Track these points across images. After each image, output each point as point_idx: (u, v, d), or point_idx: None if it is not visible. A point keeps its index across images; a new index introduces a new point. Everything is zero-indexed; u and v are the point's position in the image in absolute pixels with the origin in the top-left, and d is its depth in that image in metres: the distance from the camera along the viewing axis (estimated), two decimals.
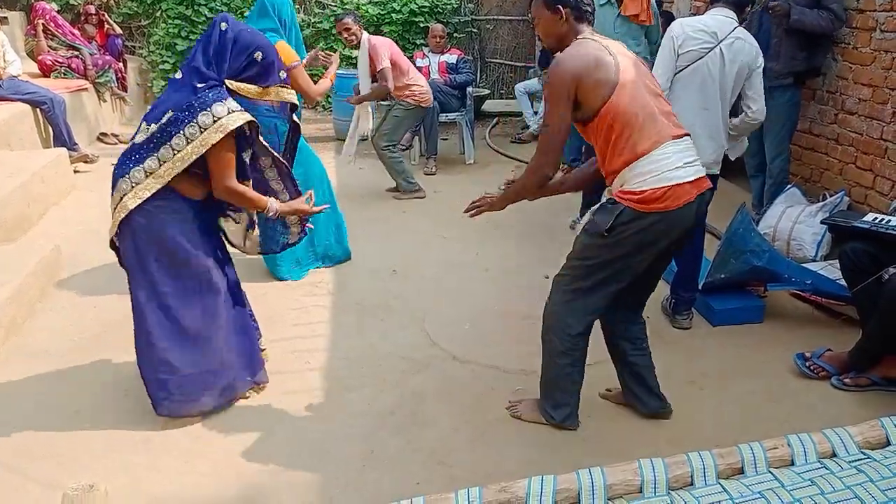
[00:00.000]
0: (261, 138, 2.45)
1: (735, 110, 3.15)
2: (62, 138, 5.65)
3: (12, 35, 6.60)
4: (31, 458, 2.39)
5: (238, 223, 2.68)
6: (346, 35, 5.14)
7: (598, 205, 2.30)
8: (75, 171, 5.53)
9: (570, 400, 2.51)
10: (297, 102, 2.57)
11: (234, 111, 2.25)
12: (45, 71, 6.55)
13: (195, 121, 2.21)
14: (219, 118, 2.22)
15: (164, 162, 2.26)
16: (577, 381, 2.49)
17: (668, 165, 2.15)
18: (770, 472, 1.34)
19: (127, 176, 2.31)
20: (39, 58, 6.57)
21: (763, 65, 3.08)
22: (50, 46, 6.65)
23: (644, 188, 2.15)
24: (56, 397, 2.74)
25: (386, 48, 5.19)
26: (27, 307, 3.34)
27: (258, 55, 2.31)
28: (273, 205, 2.46)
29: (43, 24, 6.60)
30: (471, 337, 3.27)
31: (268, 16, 3.53)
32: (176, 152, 2.24)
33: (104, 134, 6.81)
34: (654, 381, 2.60)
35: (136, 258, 2.38)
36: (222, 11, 8.38)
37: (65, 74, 6.58)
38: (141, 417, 2.60)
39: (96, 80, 6.83)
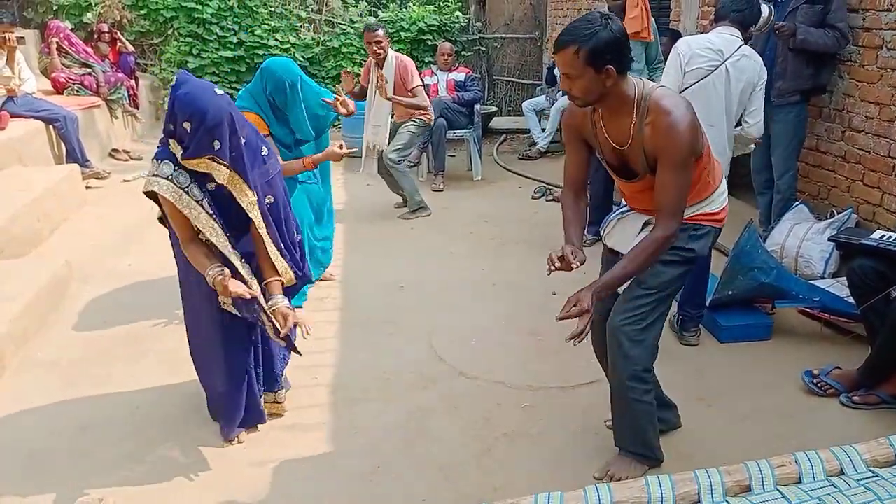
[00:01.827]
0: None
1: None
2: (74, 155, 5.73)
3: (27, 53, 6.70)
4: (41, 471, 2.40)
5: None
6: (375, 48, 5.11)
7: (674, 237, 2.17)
8: (87, 188, 5.60)
9: (657, 433, 2.41)
10: (223, 183, 2.23)
11: (155, 175, 2.20)
12: (59, 88, 6.64)
13: None
14: (148, 177, 2.23)
15: None
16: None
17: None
18: (778, 489, 1.34)
19: None
20: (53, 75, 6.67)
21: (766, 82, 3.10)
22: (63, 64, 6.75)
23: (722, 206, 2.33)
24: (65, 410, 2.75)
25: (414, 67, 5.32)
26: (38, 321, 3.37)
27: (187, 125, 2.13)
28: (210, 272, 2.22)
29: (57, 42, 6.71)
30: (478, 353, 3.27)
31: (256, 84, 3.28)
32: None
33: (116, 150, 6.89)
34: (663, 394, 2.56)
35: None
36: (232, 30, 8.52)
37: (78, 92, 6.68)
38: (149, 431, 2.61)
39: (109, 98, 6.93)
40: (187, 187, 2.20)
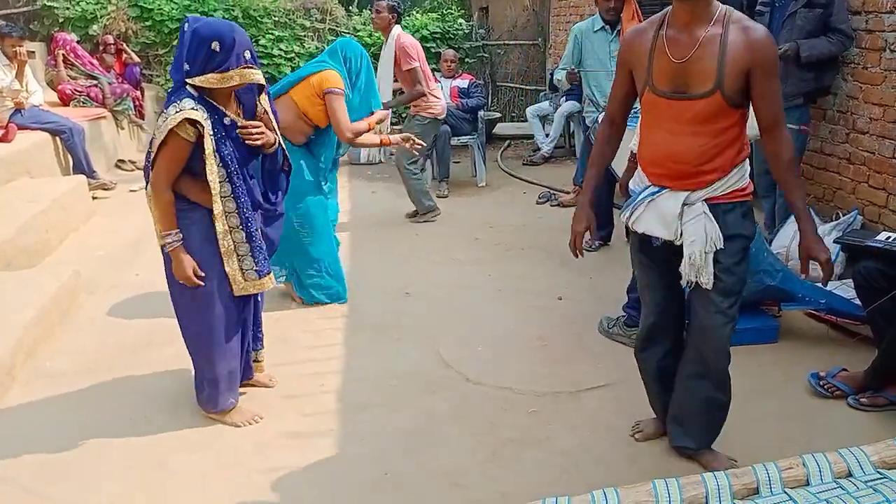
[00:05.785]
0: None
1: None
2: (81, 166, 5.76)
3: (33, 65, 6.75)
4: (50, 479, 2.41)
5: None
6: (374, 16, 5.22)
7: (711, 218, 2.18)
8: (94, 198, 5.62)
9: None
10: (263, 82, 2.45)
11: (181, 110, 2.28)
12: (65, 100, 6.69)
13: (158, 125, 2.35)
14: (167, 118, 2.30)
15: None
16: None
17: None
18: (785, 492, 1.34)
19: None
20: (59, 87, 6.73)
21: None
22: (69, 76, 6.81)
23: (748, 182, 2.27)
24: (74, 419, 2.77)
25: (415, 49, 5.10)
26: (47, 331, 3.39)
27: (215, 45, 2.25)
28: (172, 236, 2.43)
29: (63, 54, 6.77)
30: (484, 358, 3.27)
31: (334, 55, 3.66)
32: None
33: (122, 161, 6.93)
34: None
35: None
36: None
37: (84, 103, 6.72)
38: (159, 439, 2.62)
39: (114, 109, 6.97)
40: (207, 119, 2.33)
